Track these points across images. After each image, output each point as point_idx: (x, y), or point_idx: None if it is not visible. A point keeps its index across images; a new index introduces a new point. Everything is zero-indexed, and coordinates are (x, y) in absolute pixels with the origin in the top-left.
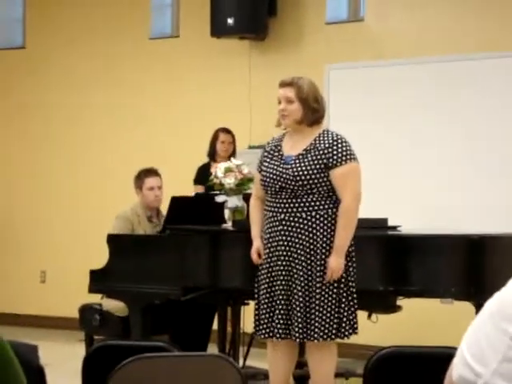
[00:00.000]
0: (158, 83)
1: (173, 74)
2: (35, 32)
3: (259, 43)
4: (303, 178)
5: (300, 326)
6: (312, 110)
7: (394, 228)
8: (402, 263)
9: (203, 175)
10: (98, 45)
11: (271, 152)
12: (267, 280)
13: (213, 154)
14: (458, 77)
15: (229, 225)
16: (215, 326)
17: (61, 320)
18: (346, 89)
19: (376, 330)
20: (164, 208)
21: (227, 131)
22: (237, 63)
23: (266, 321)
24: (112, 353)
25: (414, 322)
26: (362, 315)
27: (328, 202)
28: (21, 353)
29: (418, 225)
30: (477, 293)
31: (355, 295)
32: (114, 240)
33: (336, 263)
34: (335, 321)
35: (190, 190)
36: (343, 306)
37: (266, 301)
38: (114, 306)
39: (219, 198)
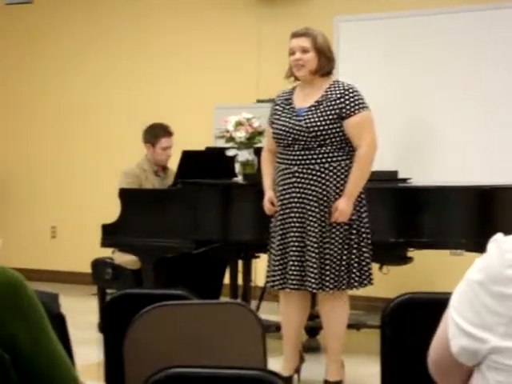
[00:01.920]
0: (163, 35)
1: (180, 27)
2: None
3: None
4: (316, 129)
5: (316, 276)
6: (327, 59)
7: (405, 180)
8: (412, 215)
9: None
10: (99, 2)
11: (282, 105)
12: (280, 232)
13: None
14: (471, 28)
15: (239, 178)
16: (226, 279)
17: (72, 275)
18: (355, 41)
19: (387, 282)
20: (170, 163)
21: None
22: (245, 16)
23: (279, 272)
24: (130, 302)
25: (424, 274)
26: (373, 267)
27: (341, 153)
28: (42, 300)
29: (428, 178)
30: (487, 244)
31: (369, 247)
32: (125, 194)
33: (344, 205)
34: (346, 271)
35: (200, 141)
36: (354, 256)
37: (280, 252)
38: (126, 259)
39: (230, 152)
